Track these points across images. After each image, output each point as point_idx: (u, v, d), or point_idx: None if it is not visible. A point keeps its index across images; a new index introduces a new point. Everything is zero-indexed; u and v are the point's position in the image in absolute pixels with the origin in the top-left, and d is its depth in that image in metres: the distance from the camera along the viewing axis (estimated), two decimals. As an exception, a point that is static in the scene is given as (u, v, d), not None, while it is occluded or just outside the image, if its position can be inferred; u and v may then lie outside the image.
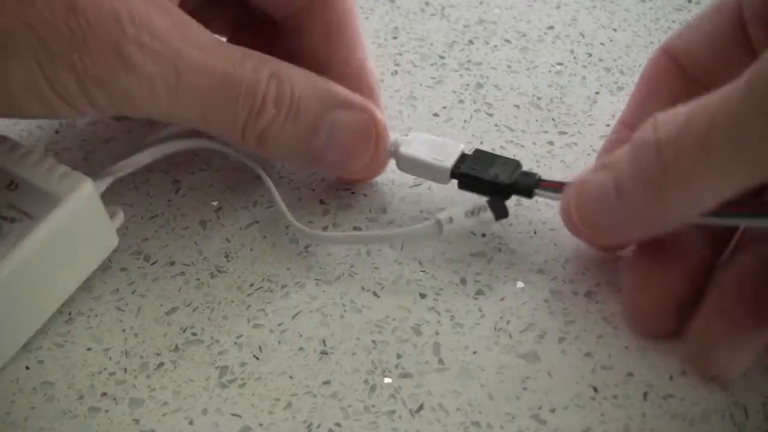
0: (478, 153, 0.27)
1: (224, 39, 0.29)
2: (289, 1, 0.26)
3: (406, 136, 0.27)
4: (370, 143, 0.25)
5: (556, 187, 0.25)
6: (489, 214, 0.25)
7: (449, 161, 0.26)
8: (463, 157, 0.27)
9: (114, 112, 0.22)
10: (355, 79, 0.27)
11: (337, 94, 0.25)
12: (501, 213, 0.25)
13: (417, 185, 0.29)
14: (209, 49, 0.22)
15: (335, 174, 0.28)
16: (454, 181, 0.26)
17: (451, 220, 0.25)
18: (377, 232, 0.26)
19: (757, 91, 0.18)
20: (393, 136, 0.27)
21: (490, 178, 0.26)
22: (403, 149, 0.27)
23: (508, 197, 0.26)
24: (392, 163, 0.28)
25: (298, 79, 0.24)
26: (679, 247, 0.23)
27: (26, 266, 0.22)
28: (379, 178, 0.29)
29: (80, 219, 0.23)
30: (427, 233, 0.25)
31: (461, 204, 0.25)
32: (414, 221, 0.27)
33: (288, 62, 0.24)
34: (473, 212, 0.25)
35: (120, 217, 0.25)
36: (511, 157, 0.27)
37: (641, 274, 0.23)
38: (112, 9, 0.20)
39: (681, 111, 0.20)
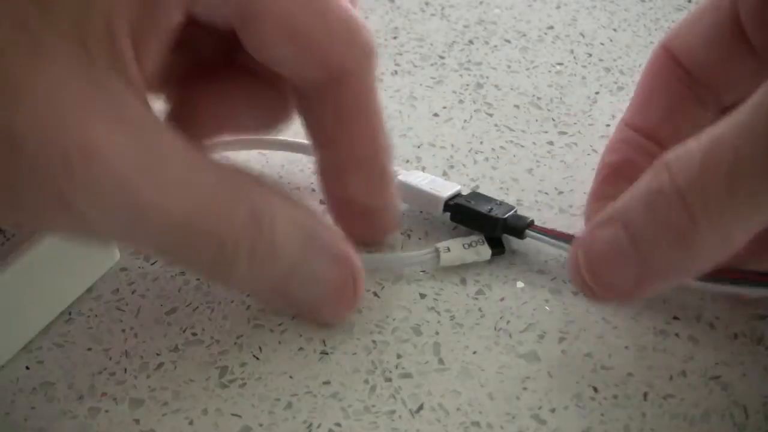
0: (475, 194, 0.27)
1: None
2: (301, 77, 0.23)
3: (407, 171, 0.28)
4: (345, 301, 0.23)
5: (548, 233, 0.26)
6: (486, 248, 0.26)
7: (446, 193, 0.27)
8: (459, 195, 0.27)
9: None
10: (365, 167, 0.24)
11: (321, 240, 0.21)
12: (498, 248, 0.26)
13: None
14: (175, 185, 0.18)
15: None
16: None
17: (448, 249, 0.25)
18: (375, 256, 0.26)
19: None
20: (396, 169, 0.28)
21: (484, 212, 0.26)
22: (401, 177, 0.27)
23: (499, 234, 0.26)
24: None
25: (281, 217, 0.20)
26: None
27: (29, 270, 0.22)
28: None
29: None
30: (423, 261, 0.25)
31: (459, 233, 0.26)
32: (414, 222, 0.27)
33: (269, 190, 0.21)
34: (471, 244, 0.25)
35: None
36: (512, 155, 0.27)
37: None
38: (61, 144, 0.16)
39: (693, 149, 0.19)
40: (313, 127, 0.24)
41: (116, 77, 0.17)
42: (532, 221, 0.26)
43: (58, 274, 0.23)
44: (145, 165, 0.17)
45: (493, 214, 0.26)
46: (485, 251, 0.25)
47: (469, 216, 0.26)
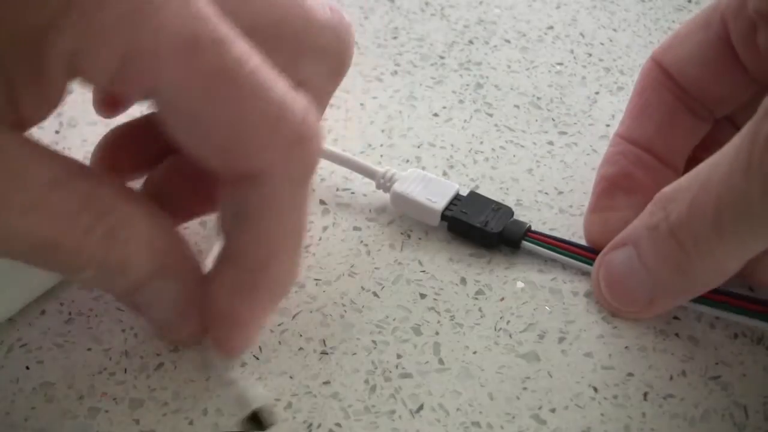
0: (473, 196, 0.27)
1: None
2: (209, 166, 0.20)
3: (404, 171, 0.28)
4: (186, 321, 0.22)
5: (544, 241, 0.26)
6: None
7: (441, 203, 0.27)
8: (457, 198, 0.27)
9: None
10: (247, 277, 0.21)
11: (169, 262, 0.21)
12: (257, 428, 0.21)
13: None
14: (35, 208, 0.18)
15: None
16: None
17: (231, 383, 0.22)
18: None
19: (753, 168, 0.19)
20: (391, 170, 0.28)
21: (479, 225, 0.26)
22: (398, 186, 0.27)
23: (494, 246, 0.26)
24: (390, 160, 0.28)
25: (137, 238, 0.20)
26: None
27: None
28: (380, 179, 0.29)
29: None
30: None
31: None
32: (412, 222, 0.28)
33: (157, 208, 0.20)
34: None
35: None
36: (512, 155, 0.27)
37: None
38: None
39: (684, 187, 0.22)
40: (219, 216, 0.21)
41: None
42: (529, 227, 0.26)
43: None
44: (5, 195, 0.18)
45: (488, 228, 0.26)
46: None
47: (465, 229, 0.26)
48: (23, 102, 0.18)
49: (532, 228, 0.26)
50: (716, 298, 0.24)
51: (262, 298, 0.21)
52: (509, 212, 0.27)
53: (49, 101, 0.19)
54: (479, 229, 0.26)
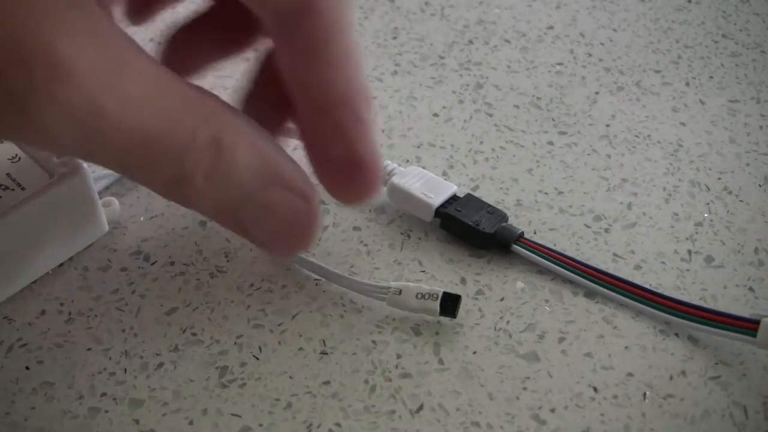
0: (469, 197, 0.27)
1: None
2: (269, 7, 0.21)
3: (404, 168, 0.28)
4: (299, 237, 0.22)
5: (535, 249, 0.26)
6: (436, 307, 0.23)
7: (437, 200, 0.27)
8: (454, 198, 0.27)
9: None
10: (340, 105, 0.22)
11: (280, 173, 0.21)
12: (448, 311, 0.24)
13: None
14: (140, 100, 0.18)
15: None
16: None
17: (400, 292, 0.24)
18: (331, 271, 0.25)
19: None
20: (392, 164, 0.28)
21: (471, 224, 0.26)
22: (396, 179, 0.27)
23: (485, 247, 0.26)
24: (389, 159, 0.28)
25: (244, 145, 0.20)
26: None
27: (11, 231, 0.23)
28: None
29: (69, 199, 0.25)
30: (374, 292, 0.24)
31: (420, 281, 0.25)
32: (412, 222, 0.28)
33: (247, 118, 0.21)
34: (424, 296, 0.24)
35: (115, 208, 0.27)
36: (512, 155, 0.27)
37: None
38: (22, 49, 0.17)
39: None
40: (288, 72, 0.22)
41: None
42: (522, 234, 0.26)
43: (37, 239, 0.25)
44: (110, 79, 0.18)
45: (481, 228, 0.26)
46: (434, 309, 0.23)
47: (458, 227, 0.26)
48: None
49: (525, 235, 0.26)
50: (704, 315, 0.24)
51: (364, 119, 0.22)
52: (503, 216, 0.27)
53: None
54: (471, 227, 0.26)
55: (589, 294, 0.25)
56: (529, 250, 0.26)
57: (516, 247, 0.26)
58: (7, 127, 0.18)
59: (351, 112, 0.22)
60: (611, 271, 0.25)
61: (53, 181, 0.24)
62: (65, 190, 0.24)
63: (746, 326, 0.22)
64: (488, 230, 0.26)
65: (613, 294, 0.25)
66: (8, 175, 0.24)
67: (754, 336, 0.22)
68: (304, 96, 0.22)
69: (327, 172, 0.23)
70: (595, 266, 0.25)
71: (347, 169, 0.22)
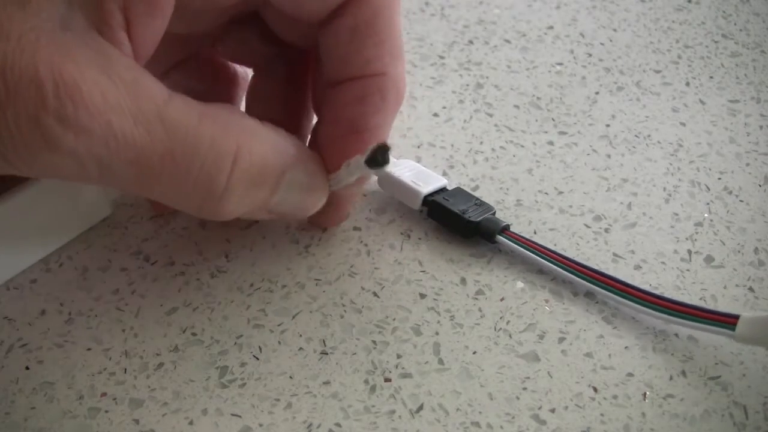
0: (458, 190, 0.28)
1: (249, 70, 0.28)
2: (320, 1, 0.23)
3: (396, 159, 0.28)
4: (319, 196, 0.24)
5: (519, 241, 0.26)
6: (361, 159, 0.22)
7: (426, 189, 0.27)
8: (444, 190, 0.28)
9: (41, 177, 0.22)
10: (371, 82, 0.23)
11: (295, 152, 0.23)
12: (376, 162, 0.22)
13: (417, 185, 0.29)
14: (152, 117, 0.19)
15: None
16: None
17: (348, 165, 0.23)
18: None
19: None
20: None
21: (458, 212, 0.26)
22: (388, 168, 0.27)
23: (470, 236, 0.27)
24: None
25: (263, 143, 0.21)
26: None
27: (23, 209, 0.24)
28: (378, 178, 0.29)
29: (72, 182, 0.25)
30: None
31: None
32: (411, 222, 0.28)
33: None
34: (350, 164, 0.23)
35: (113, 191, 0.28)
36: (512, 155, 0.27)
37: None
38: (35, 75, 0.17)
39: None
40: (328, 47, 0.24)
41: (96, 32, 0.19)
42: (507, 226, 0.26)
43: (43, 218, 0.25)
44: (123, 103, 0.19)
45: (466, 216, 0.26)
46: (360, 163, 0.22)
47: (445, 215, 0.27)
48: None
49: (522, 234, 0.26)
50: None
51: (390, 104, 0.24)
52: (490, 209, 0.27)
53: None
54: (458, 215, 0.26)
55: (589, 294, 0.25)
56: (513, 242, 0.26)
57: (500, 238, 0.26)
58: (36, 154, 0.18)
59: (381, 96, 0.23)
60: (610, 271, 0.25)
61: None
62: None
63: (725, 320, 0.22)
64: (474, 219, 0.26)
65: (587, 283, 0.25)
66: None
67: (733, 330, 0.22)
68: (335, 69, 0.23)
69: (332, 142, 0.24)
70: (573, 258, 0.25)
71: (352, 141, 0.23)
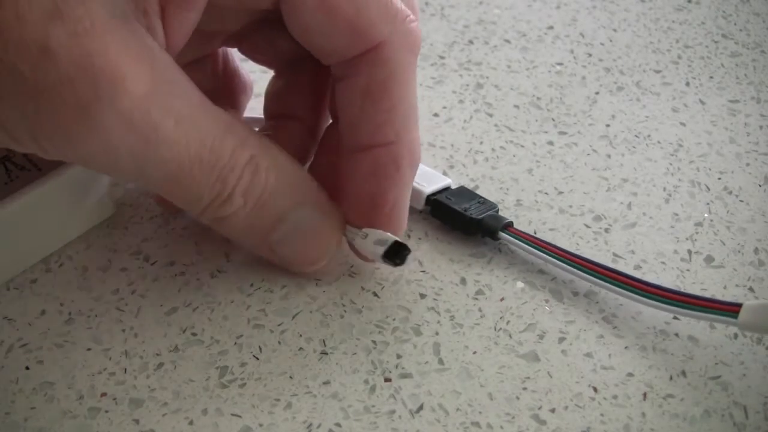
0: (462, 189, 0.28)
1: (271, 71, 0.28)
2: (335, 49, 0.23)
3: None
4: (326, 251, 0.24)
5: (523, 237, 0.26)
6: (381, 250, 0.23)
7: (429, 188, 0.27)
8: (447, 189, 0.28)
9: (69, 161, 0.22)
10: (385, 152, 0.23)
11: (309, 192, 0.23)
12: (389, 257, 0.23)
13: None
14: (189, 120, 0.20)
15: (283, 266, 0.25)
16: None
17: (366, 237, 0.24)
18: None
19: None
20: None
21: (460, 210, 0.27)
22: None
23: (473, 233, 0.27)
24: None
25: (276, 168, 0.22)
26: None
27: (29, 208, 0.25)
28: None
29: (81, 180, 0.26)
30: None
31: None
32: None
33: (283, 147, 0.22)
34: (381, 242, 0.24)
35: (120, 191, 0.29)
36: (512, 155, 0.27)
37: None
38: (90, 64, 0.18)
39: None
40: (342, 105, 0.24)
41: (141, 25, 0.19)
42: (510, 223, 0.26)
43: (48, 216, 0.26)
44: (164, 97, 0.19)
45: (469, 213, 0.26)
46: (378, 253, 0.24)
47: (448, 213, 0.27)
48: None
49: (514, 224, 0.26)
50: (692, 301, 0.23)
51: (405, 173, 0.23)
52: (493, 206, 0.27)
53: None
54: (460, 213, 0.26)
55: (589, 293, 0.25)
56: (516, 238, 0.26)
57: (503, 235, 0.26)
58: (76, 139, 0.19)
59: (386, 158, 0.23)
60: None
61: (67, 163, 0.25)
62: (78, 171, 0.25)
63: (728, 309, 0.22)
64: (476, 216, 0.26)
65: (590, 277, 0.24)
66: (25, 155, 0.25)
67: (736, 318, 0.22)
68: (351, 135, 0.24)
69: (349, 206, 0.24)
70: (578, 253, 0.25)
71: (371, 211, 0.24)
